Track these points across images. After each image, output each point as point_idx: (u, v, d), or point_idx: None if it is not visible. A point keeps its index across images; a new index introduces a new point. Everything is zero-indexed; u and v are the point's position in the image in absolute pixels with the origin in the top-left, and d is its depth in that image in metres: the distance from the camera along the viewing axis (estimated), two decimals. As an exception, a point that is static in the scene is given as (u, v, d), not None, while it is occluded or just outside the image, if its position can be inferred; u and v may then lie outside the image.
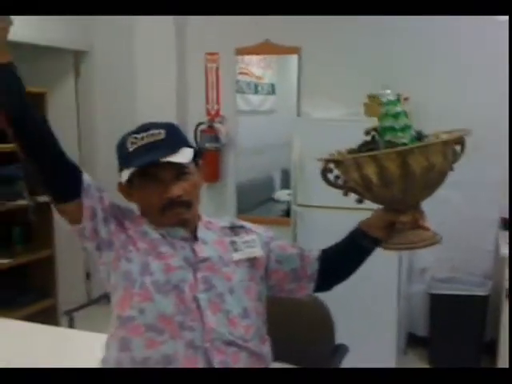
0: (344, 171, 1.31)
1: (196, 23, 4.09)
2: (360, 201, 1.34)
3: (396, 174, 1.22)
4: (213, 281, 1.43)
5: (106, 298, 1.53)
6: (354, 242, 1.48)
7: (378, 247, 1.44)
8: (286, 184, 4.04)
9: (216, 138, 4.01)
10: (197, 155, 1.49)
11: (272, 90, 4.36)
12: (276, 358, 1.56)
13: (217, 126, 4.03)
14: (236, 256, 1.48)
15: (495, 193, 3.51)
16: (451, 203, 3.44)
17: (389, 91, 1.29)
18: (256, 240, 1.53)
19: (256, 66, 4.26)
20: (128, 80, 4.23)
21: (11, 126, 1.26)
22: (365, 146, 1.32)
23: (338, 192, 1.37)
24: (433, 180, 1.26)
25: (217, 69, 4.11)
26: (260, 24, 3.88)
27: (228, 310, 1.42)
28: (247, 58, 4.14)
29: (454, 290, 3.44)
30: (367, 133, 1.32)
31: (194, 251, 1.44)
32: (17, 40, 3.55)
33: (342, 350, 2.24)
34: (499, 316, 3.11)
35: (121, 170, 1.44)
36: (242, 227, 1.56)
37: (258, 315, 1.49)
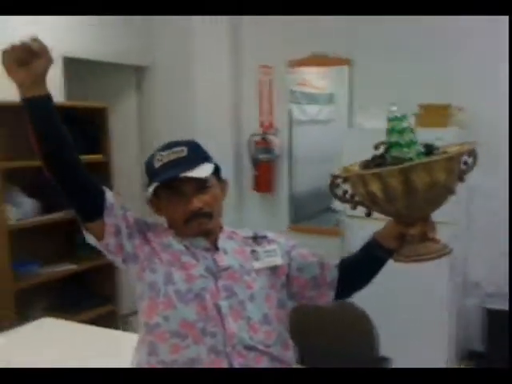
0: (351, 186, 1.35)
1: (250, 37, 4.22)
2: (368, 214, 1.38)
3: (399, 190, 1.26)
4: (234, 288, 1.50)
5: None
6: (369, 252, 1.52)
7: (391, 258, 1.48)
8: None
9: (269, 150, 4.09)
10: (217, 170, 1.58)
11: (330, 99, 4.39)
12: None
13: (270, 137, 4.12)
14: (256, 265, 1.55)
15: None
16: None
17: (395, 108, 1.33)
18: (277, 249, 1.60)
19: (315, 76, 4.30)
20: (186, 93, 4.40)
21: (41, 152, 1.37)
22: (373, 161, 1.36)
23: None
24: (437, 195, 1.29)
25: (270, 81, 4.20)
26: (311, 36, 3.95)
27: (249, 317, 1.48)
28: (306, 68, 4.18)
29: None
30: (376, 147, 1.36)
31: (215, 261, 1.52)
32: (83, 57, 3.84)
33: (385, 362, 2.26)
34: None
35: (149, 185, 1.55)
36: (264, 237, 1.63)
37: (280, 322, 1.55)
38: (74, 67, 3.88)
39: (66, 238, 3.63)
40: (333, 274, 1.59)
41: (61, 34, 3.71)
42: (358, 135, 3.57)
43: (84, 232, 1.52)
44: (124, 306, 3.84)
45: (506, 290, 3.49)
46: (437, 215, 1.38)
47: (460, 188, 1.36)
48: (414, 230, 1.35)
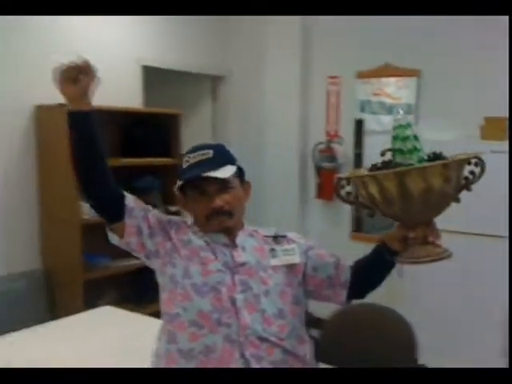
0: (354, 188, 1.43)
1: (320, 50, 4.32)
2: (371, 215, 1.45)
3: (395, 193, 1.32)
4: (250, 283, 1.61)
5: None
6: (378, 254, 1.59)
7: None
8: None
9: (333, 158, 4.15)
10: (241, 172, 1.70)
11: (409, 110, 4.36)
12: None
13: (334, 146, 4.18)
14: (273, 262, 1.66)
15: None
16: None
17: (399, 116, 1.39)
18: (295, 249, 1.69)
19: (393, 87, 4.30)
20: (258, 102, 4.57)
21: (73, 158, 1.55)
22: (378, 166, 1.42)
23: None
24: (433, 201, 1.33)
25: (338, 91, 4.27)
26: (380, 47, 3.99)
27: (263, 310, 1.59)
28: (378, 79, 4.16)
29: None
30: (382, 154, 1.43)
31: (232, 256, 1.64)
32: (163, 67, 4.10)
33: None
34: None
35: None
36: (284, 237, 1.73)
37: (295, 317, 1.64)
38: (153, 76, 4.15)
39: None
40: (346, 275, 1.66)
41: (141, 45, 4.00)
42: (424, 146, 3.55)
43: (108, 231, 1.67)
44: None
45: None
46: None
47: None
48: (414, 233, 1.40)
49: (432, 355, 2.29)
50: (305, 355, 1.66)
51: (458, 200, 1.40)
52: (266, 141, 4.54)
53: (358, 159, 4.19)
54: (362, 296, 1.71)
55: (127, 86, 3.93)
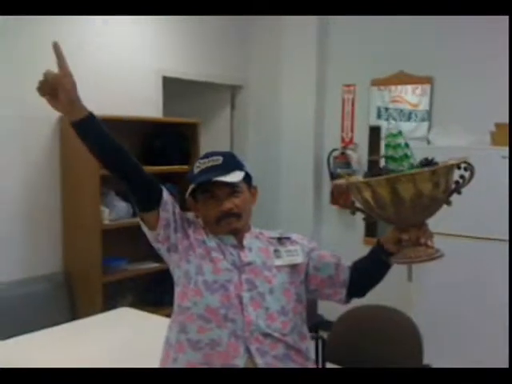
0: (350, 193, 1.51)
1: (335, 59, 4.42)
2: (367, 219, 1.53)
3: (387, 198, 1.40)
4: (255, 282, 1.70)
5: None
6: (375, 255, 1.68)
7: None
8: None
9: (347, 164, 4.23)
10: (249, 178, 1.80)
11: (428, 117, 4.40)
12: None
13: (349, 152, 4.26)
14: (277, 262, 1.75)
15: None
16: None
17: (391, 126, 1.47)
18: (299, 250, 1.79)
19: (411, 93, 4.35)
20: (275, 110, 4.68)
21: (99, 162, 1.64)
22: (373, 172, 1.51)
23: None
24: (423, 205, 1.41)
25: (353, 99, 4.35)
26: (393, 56, 4.06)
27: (267, 307, 1.68)
28: (400, 86, 4.21)
29: None
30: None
31: (239, 256, 1.73)
32: (183, 78, 4.22)
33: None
34: None
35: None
36: (288, 238, 1.83)
37: (296, 314, 1.73)
38: (173, 86, 4.27)
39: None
40: (345, 274, 1.75)
41: (162, 57, 4.13)
42: (435, 152, 3.59)
43: (140, 221, 1.76)
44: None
45: None
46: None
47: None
48: (406, 235, 1.48)
49: (436, 356, 2.34)
50: (306, 350, 1.76)
51: (449, 203, 1.47)
52: (282, 148, 4.64)
53: (375, 165, 4.24)
54: (362, 295, 1.79)
55: (148, 96, 4.05)
